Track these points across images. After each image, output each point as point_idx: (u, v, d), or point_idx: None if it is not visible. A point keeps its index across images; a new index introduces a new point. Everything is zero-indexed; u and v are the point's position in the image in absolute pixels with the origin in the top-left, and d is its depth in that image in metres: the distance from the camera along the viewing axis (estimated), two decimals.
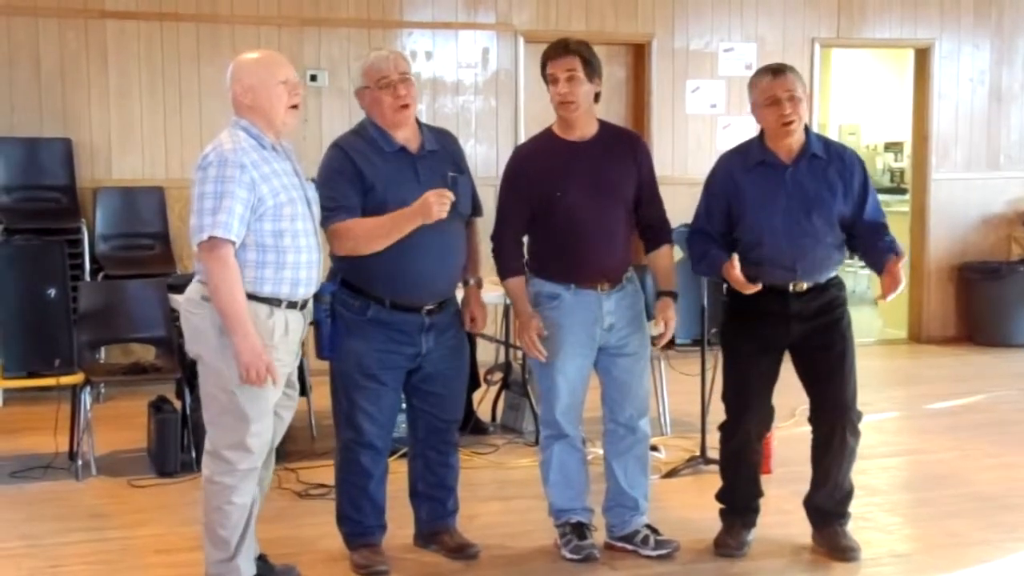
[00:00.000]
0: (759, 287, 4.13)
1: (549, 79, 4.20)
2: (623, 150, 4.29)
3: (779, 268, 4.19)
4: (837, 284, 4.34)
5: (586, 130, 4.26)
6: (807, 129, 4.27)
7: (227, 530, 3.81)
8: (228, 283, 3.64)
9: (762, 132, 4.29)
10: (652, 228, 4.36)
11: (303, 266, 3.79)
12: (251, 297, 3.71)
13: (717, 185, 4.32)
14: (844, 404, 4.30)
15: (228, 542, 3.82)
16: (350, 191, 4.01)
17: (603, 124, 4.33)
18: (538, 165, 4.24)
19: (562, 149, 4.24)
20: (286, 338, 3.81)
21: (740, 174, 4.27)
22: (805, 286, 4.22)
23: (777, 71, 4.20)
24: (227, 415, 3.76)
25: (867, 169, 4.37)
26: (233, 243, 3.65)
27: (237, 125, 3.80)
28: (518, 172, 4.28)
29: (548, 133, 4.32)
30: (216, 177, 3.65)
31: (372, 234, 3.97)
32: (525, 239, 4.33)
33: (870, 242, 4.27)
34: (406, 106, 4.08)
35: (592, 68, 4.19)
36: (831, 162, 4.24)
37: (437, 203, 3.85)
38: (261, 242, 3.72)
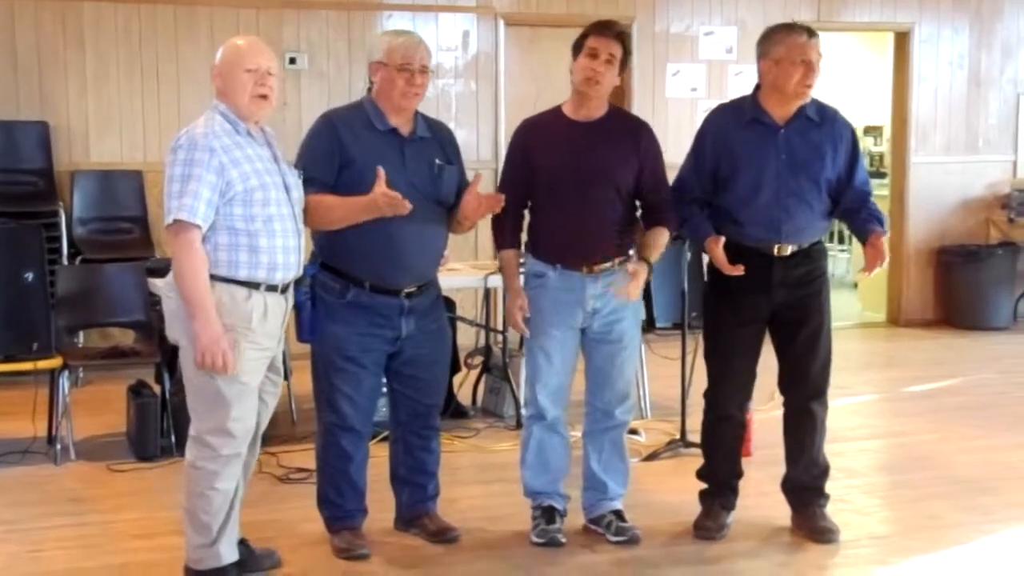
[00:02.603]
0: (740, 270, 4.14)
1: (587, 51, 4.15)
2: (625, 136, 4.27)
3: (764, 228, 4.20)
4: (820, 251, 4.34)
5: (595, 112, 4.24)
6: None
7: (209, 515, 3.80)
8: (192, 266, 3.64)
9: (756, 89, 4.29)
10: (654, 214, 4.30)
11: (279, 250, 3.77)
12: (228, 280, 3.71)
13: (708, 140, 4.31)
14: (814, 376, 4.33)
15: (210, 527, 3.81)
16: (322, 164, 4.01)
17: (613, 109, 4.32)
18: (536, 140, 4.25)
19: (563, 127, 4.23)
20: (265, 321, 3.79)
21: (733, 130, 4.27)
22: (789, 249, 4.23)
23: (812, 33, 4.20)
24: (207, 400, 3.76)
25: (856, 136, 4.38)
26: (199, 227, 3.64)
27: (216, 109, 3.80)
28: (517, 144, 4.31)
29: (556, 110, 4.31)
30: (184, 160, 3.66)
31: (324, 217, 3.99)
32: (527, 214, 4.34)
33: (855, 208, 4.30)
34: (416, 95, 4.07)
35: (626, 62, 4.22)
36: (823, 126, 4.25)
37: (387, 205, 3.84)
38: (232, 226, 3.71)
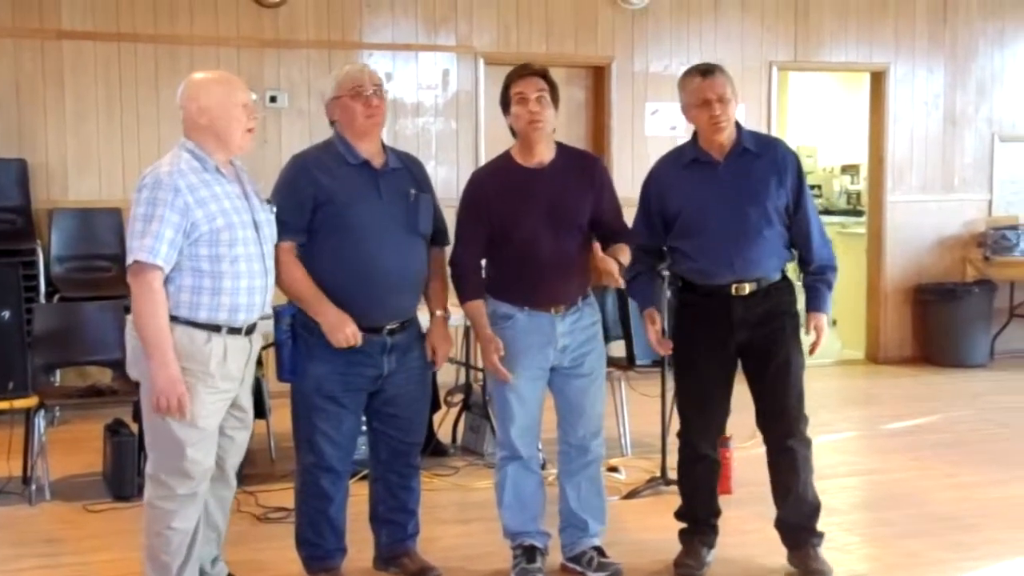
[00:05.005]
0: (670, 348, 4.29)
1: (516, 99, 4.17)
2: (581, 175, 4.28)
3: (716, 263, 4.22)
4: (782, 288, 4.33)
5: (545, 155, 4.25)
6: (739, 126, 4.30)
7: (168, 555, 3.77)
8: (150, 308, 3.61)
9: (696, 132, 4.32)
10: (616, 235, 4.27)
11: (243, 291, 3.74)
12: (188, 323, 3.68)
13: (651, 187, 4.37)
14: (788, 412, 4.32)
15: (169, 567, 3.78)
16: (295, 211, 4.01)
17: (561, 148, 4.32)
18: (495, 191, 4.22)
19: (519, 176, 4.22)
20: (225, 365, 3.75)
21: (673, 173, 4.32)
22: (747, 288, 4.24)
23: (706, 72, 4.24)
24: (163, 441, 3.73)
25: (801, 164, 4.37)
26: (159, 268, 3.61)
27: (183, 147, 3.78)
28: (475, 197, 4.26)
29: (506, 158, 4.30)
30: (148, 200, 3.63)
31: (291, 292, 4.05)
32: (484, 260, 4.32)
33: (806, 259, 4.33)
34: (376, 116, 4.07)
35: (555, 94, 4.22)
36: (763, 156, 4.27)
37: (343, 337, 3.96)
38: (197, 267, 3.68)
